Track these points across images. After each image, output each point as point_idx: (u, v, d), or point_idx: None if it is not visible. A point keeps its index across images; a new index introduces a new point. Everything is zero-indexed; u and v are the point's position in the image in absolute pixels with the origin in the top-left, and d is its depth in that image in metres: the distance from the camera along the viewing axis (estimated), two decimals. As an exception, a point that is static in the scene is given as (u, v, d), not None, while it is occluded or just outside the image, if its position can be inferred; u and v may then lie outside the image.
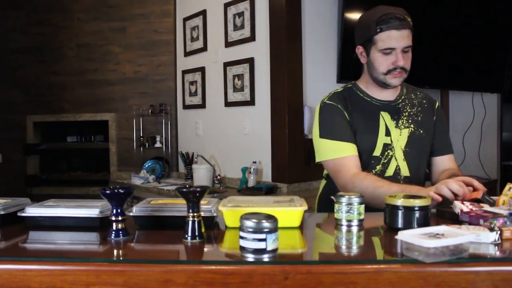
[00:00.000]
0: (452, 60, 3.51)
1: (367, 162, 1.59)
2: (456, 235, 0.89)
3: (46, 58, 4.01)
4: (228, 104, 3.23)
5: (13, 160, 4.06)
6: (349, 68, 3.00)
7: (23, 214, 1.19)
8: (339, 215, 1.19)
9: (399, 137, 1.58)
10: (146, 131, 3.86)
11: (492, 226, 0.99)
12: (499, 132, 3.83)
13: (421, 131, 1.61)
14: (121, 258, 1.01)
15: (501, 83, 3.69)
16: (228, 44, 3.21)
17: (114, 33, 3.89)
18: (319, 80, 3.00)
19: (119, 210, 1.07)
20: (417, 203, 1.09)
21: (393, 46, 1.50)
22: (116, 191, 1.06)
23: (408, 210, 1.09)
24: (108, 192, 1.06)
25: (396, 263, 0.90)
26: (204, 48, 3.48)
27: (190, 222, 1.03)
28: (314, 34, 2.94)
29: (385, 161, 1.58)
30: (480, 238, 0.97)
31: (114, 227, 1.07)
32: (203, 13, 3.48)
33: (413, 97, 1.68)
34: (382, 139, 1.58)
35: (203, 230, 1.05)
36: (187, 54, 3.68)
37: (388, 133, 1.59)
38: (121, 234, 1.07)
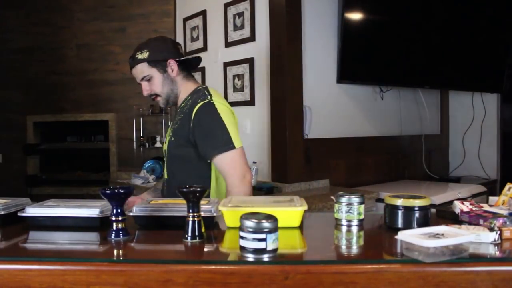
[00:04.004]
0: (452, 60, 3.51)
1: None
2: (456, 235, 0.90)
3: (46, 58, 4.01)
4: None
5: (13, 160, 4.06)
6: (349, 68, 3.00)
7: (23, 214, 1.19)
8: (339, 215, 1.20)
9: (166, 146, 1.81)
10: (146, 131, 3.86)
11: (492, 226, 0.99)
12: (499, 132, 3.83)
13: (173, 139, 1.73)
14: (121, 258, 1.01)
15: (501, 83, 3.69)
16: (228, 44, 3.21)
17: (114, 33, 3.89)
18: (319, 80, 3.00)
19: (119, 210, 1.07)
20: (417, 203, 1.09)
21: (137, 80, 1.79)
22: (116, 191, 1.06)
23: (408, 210, 1.10)
24: (108, 192, 1.06)
25: (396, 263, 0.90)
26: (204, 48, 3.48)
27: (190, 222, 1.03)
28: (314, 34, 2.94)
29: (164, 165, 1.86)
30: (480, 238, 0.97)
31: (114, 227, 1.07)
32: (203, 13, 3.48)
33: (188, 104, 1.72)
34: (164, 147, 1.86)
35: (203, 230, 1.05)
36: (187, 54, 3.68)
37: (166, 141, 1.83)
38: (121, 234, 1.07)
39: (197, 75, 3.56)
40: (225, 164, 1.64)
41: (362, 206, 1.19)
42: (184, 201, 1.04)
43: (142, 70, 1.74)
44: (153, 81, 1.75)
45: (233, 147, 1.63)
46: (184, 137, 1.67)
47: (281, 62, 2.77)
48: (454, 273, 0.86)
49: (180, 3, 3.78)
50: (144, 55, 1.72)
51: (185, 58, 1.80)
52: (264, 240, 0.89)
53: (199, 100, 1.67)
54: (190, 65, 1.86)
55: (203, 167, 1.69)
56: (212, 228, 1.16)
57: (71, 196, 3.80)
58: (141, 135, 3.85)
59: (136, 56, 1.73)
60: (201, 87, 1.77)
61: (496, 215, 1.06)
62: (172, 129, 1.77)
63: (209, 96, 1.69)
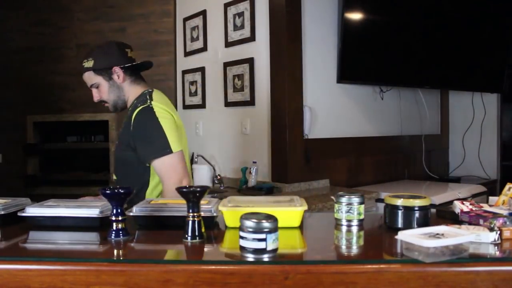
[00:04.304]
0: (452, 60, 3.51)
1: None
2: (456, 235, 0.90)
3: (46, 58, 4.00)
4: (228, 104, 3.23)
5: (13, 160, 4.06)
6: (349, 68, 3.00)
7: (23, 214, 1.19)
8: (339, 215, 1.20)
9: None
10: (146, 131, 3.86)
11: (492, 226, 0.99)
12: (499, 132, 3.84)
13: (118, 142, 1.81)
14: (121, 258, 1.01)
15: (501, 83, 3.69)
16: (228, 44, 3.21)
17: (114, 33, 3.89)
18: (319, 80, 3.00)
19: (119, 210, 1.07)
20: (417, 203, 1.09)
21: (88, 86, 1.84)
22: (116, 191, 1.06)
23: (408, 210, 1.10)
24: (108, 192, 1.06)
25: (396, 263, 0.90)
26: (204, 48, 3.48)
27: (190, 222, 1.03)
28: (314, 34, 2.94)
29: None
30: (480, 238, 0.97)
31: (114, 227, 1.07)
32: (203, 13, 3.48)
33: (131, 108, 1.76)
34: None
35: (203, 230, 1.05)
36: (187, 54, 3.68)
37: None
38: (121, 234, 1.07)
39: (197, 75, 3.56)
40: (162, 168, 1.64)
41: (362, 206, 1.19)
42: (184, 201, 1.04)
43: (89, 77, 1.79)
44: (100, 88, 1.80)
45: (170, 152, 1.62)
46: (126, 141, 1.70)
47: (281, 62, 2.77)
48: (454, 273, 0.86)
49: (180, 3, 3.78)
50: (90, 63, 1.76)
51: (129, 64, 1.79)
52: (264, 240, 0.89)
53: (139, 105, 1.70)
54: (139, 69, 1.86)
55: (145, 171, 1.70)
56: (212, 228, 1.16)
57: (71, 196, 3.79)
58: (141, 135, 3.84)
59: (83, 64, 1.78)
60: (146, 91, 1.79)
61: (496, 215, 1.06)
62: (119, 132, 1.82)
63: (148, 101, 1.70)
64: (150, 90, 1.80)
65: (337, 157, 3.09)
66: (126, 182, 1.74)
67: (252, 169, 2.86)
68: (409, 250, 0.88)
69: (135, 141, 1.67)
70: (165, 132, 1.64)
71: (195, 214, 1.03)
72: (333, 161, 3.07)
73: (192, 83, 3.64)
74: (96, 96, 1.82)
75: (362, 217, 1.19)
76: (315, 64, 2.96)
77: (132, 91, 1.81)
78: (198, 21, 3.53)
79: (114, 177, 1.85)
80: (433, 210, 1.25)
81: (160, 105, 1.70)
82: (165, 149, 1.62)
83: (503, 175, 3.78)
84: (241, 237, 0.92)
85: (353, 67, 3.02)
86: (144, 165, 1.69)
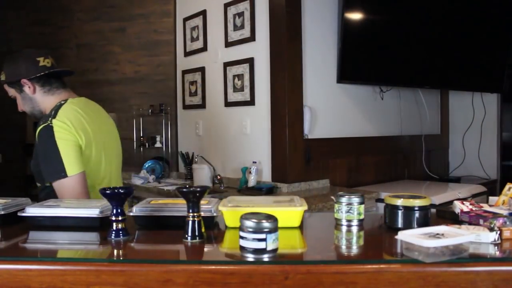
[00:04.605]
0: (452, 60, 3.51)
1: None
2: (456, 235, 0.90)
3: (46, 58, 4.00)
4: (228, 104, 3.23)
5: (13, 160, 4.06)
6: (349, 68, 3.00)
7: (23, 214, 1.19)
8: (339, 215, 1.20)
9: None
10: (146, 131, 3.86)
11: (492, 226, 0.99)
12: (499, 132, 3.84)
13: (32, 156, 1.72)
14: (121, 258, 1.01)
15: (501, 83, 3.69)
16: (228, 44, 3.21)
17: (114, 33, 3.89)
18: (319, 80, 3.00)
19: (119, 210, 1.07)
20: (417, 203, 1.09)
21: None
22: (116, 191, 1.06)
23: (408, 210, 1.10)
24: (108, 192, 1.06)
25: (396, 263, 0.90)
26: (204, 48, 3.48)
27: (190, 222, 1.03)
28: (314, 34, 2.94)
29: None
30: (480, 238, 0.97)
31: (114, 227, 1.07)
32: (203, 13, 3.48)
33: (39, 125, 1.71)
34: None
35: (203, 230, 1.05)
36: (187, 54, 3.68)
37: None
38: (121, 234, 1.07)
39: (197, 75, 3.56)
40: (57, 191, 1.59)
41: (362, 206, 1.19)
42: (184, 201, 1.04)
43: (6, 89, 1.78)
44: (17, 99, 1.79)
45: (65, 175, 1.55)
46: (35, 157, 1.67)
47: (281, 62, 2.77)
48: (454, 273, 0.86)
49: (180, 3, 3.78)
50: (2, 76, 1.75)
51: (34, 76, 1.70)
52: (264, 240, 0.89)
53: (41, 123, 1.62)
54: (59, 76, 1.77)
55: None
56: (212, 228, 1.16)
57: (71, 196, 3.78)
58: (141, 135, 3.84)
59: (0, 77, 1.77)
60: (58, 103, 1.69)
61: (496, 215, 1.06)
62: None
63: (50, 118, 1.61)
64: (63, 101, 1.70)
65: (337, 157, 3.09)
66: (44, 193, 1.69)
67: (252, 169, 2.86)
68: (409, 250, 0.88)
69: (38, 159, 1.63)
70: (61, 154, 1.56)
71: (195, 214, 1.03)
72: (333, 161, 3.07)
73: (192, 83, 3.64)
74: (18, 106, 1.80)
75: (362, 217, 1.19)
76: (315, 64, 2.96)
77: (46, 102, 1.74)
78: (198, 21, 3.53)
79: (38, 184, 1.77)
80: (433, 210, 1.25)
81: (61, 123, 1.60)
82: (60, 173, 1.55)
83: (503, 175, 3.79)
84: (241, 237, 0.92)
85: (353, 67, 3.02)
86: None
